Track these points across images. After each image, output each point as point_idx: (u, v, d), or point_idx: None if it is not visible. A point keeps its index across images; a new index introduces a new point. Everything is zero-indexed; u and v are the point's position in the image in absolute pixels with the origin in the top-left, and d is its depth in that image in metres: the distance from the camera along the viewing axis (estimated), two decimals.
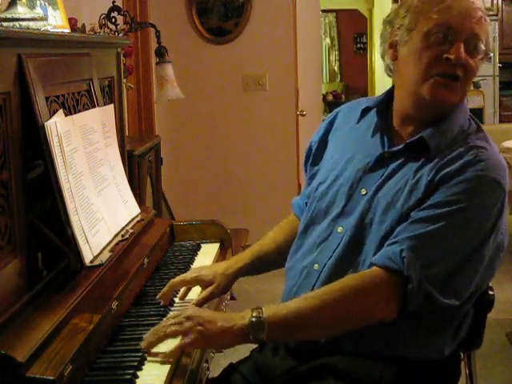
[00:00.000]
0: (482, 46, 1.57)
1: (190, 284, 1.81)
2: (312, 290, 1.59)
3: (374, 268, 1.50)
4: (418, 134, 1.59)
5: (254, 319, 1.43)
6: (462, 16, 1.55)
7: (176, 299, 1.81)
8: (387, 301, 1.47)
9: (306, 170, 1.86)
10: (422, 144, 1.58)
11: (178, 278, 1.79)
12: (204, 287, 1.80)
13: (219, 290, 1.79)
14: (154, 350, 1.47)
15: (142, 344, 1.47)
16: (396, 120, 1.67)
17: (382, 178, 1.60)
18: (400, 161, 1.60)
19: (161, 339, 1.46)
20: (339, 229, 1.62)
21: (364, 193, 1.61)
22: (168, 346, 1.47)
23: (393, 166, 1.60)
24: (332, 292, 1.48)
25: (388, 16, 1.68)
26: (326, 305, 1.47)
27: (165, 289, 1.76)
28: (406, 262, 1.46)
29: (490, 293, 1.70)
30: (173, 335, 1.46)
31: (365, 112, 1.74)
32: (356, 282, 1.49)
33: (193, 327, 1.43)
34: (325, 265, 1.60)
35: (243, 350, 1.74)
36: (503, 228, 1.57)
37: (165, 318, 1.56)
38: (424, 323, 1.54)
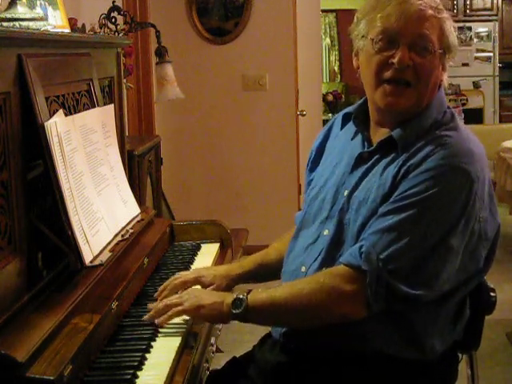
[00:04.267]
0: (433, 45, 1.56)
1: (190, 284, 1.82)
2: None
3: (341, 265, 1.53)
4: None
5: (239, 296, 1.54)
6: (402, 21, 1.55)
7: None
8: (351, 297, 1.49)
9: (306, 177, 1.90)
10: (392, 142, 1.60)
11: (178, 280, 1.80)
12: (204, 288, 1.81)
13: None
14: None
15: (147, 316, 1.62)
16: (371, 123, 1.70)
17: (359, 177, 1.63)
18: (374, 159, 1.63)
19: (161, 310, 1.60)
20: (325, 231, 1.65)
21: (346, 194, 1.64)
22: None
23: (368, 165, 1.63)
24: (302, 285, 1.54)
25: (352, 23, 1.69)
26: (296, 297, 1.53)
27: (164, 293, 1.77)
28: (363, 256, 1.48)
29: (492, 294, 1.69)
30: (173, 306, 1.60)
31: (346, 118, 1.77)
32: (322, 278, 1.53)
33: (188, 299, 1.59)
34: (310, 266, 1.64)
35: (244, 348, 1.78)
36: (484, 216, 1.55)
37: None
38: (410, 322, 1.54)
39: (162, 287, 1.79)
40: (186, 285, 1.81)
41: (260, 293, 1.56)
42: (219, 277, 1.82)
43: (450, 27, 1.61)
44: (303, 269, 1.66)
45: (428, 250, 1.49)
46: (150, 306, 1.68)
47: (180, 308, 1.59)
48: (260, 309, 1.54)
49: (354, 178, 1.64)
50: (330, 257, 1.61)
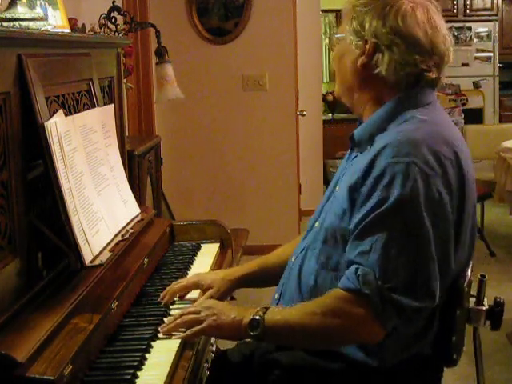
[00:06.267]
0: (338, 35, 1.68)
1: (189, 289, 1.83)
2: (286, 281, 1.68)
3: (339, 290, 1.47)
4: None
5: (256, 317, 1.50)
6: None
7: (176, 299, 1.81)
8: (362, 320, 1.45)
9: None
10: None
11: (177, 285, 1.79)
12: (204, 291, 1.82)
13: (219, 295, 1.81)
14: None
15: (162, 329, 1.57)
16: None
17: (343, 174, 1.67)
18: (353, 156, 1.67)
19: (179, 326, 1.56)
20: (316, 224, 1.68)
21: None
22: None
23: (349, 162, 1.67)
24: (313, 308, 1.49)
25: None
26: (310, 321, 1.48)
27: (166, 298, 1.77)
28: (361, 280, 1.43)
29: (497, 306, 1.63)
30: (190, 323, 1.55)
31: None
32: (329, 301, 1.48)
33: (208, 316, 1.54)
34: (297, 256, 1.68)
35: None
36: (454, 203, 1.49)
37: (184, 309, 1.63)
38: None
39: (163, 293, 1.78)
40: (185, 289, 1.81)
41: (276, 313, 1.52)
42: (219, 280, 1.82)
43: (364, 13, 1.57)
44: (293, 259, 1.69)
45: (419, 255, 1.44)
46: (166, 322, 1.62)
47: (199, 328, 1.54)
48: (276, 331, 1.51)
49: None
50: (312, 244, 1.63)
